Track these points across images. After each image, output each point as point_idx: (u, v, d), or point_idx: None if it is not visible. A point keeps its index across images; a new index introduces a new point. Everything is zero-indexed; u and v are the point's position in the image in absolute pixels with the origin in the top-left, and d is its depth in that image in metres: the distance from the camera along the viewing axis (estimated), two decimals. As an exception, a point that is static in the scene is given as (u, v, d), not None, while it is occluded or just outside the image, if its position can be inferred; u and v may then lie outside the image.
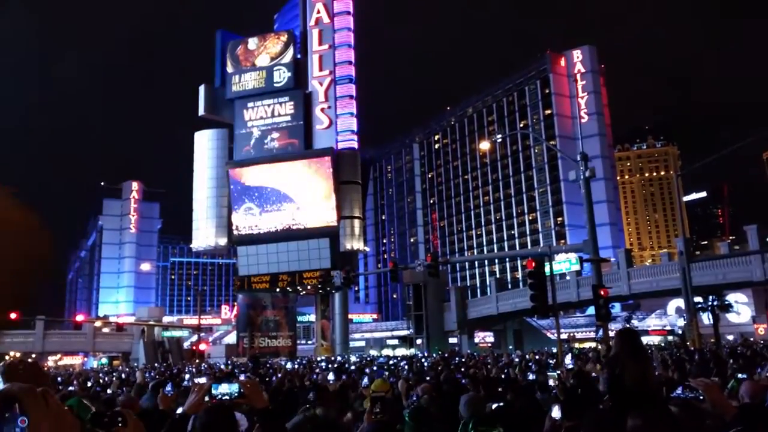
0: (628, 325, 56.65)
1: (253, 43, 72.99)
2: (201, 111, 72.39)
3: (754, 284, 50.04)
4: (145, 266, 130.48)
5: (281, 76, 70.95)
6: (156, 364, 48.32)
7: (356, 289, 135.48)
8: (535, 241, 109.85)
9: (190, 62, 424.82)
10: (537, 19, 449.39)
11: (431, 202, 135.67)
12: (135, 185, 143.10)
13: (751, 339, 52.36)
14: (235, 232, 68.62)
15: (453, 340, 72.70)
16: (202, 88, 72.63)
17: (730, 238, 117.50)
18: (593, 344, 50.16)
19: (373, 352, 68.85)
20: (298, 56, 71.78)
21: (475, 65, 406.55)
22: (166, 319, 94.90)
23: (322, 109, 69.58)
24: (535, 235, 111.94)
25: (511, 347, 68.30)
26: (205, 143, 73.06)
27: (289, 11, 78.39)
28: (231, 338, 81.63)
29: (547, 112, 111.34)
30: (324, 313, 70.70)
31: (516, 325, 73.53)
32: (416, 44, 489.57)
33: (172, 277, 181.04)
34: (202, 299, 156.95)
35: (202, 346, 62.07)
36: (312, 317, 78.42)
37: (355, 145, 69.88)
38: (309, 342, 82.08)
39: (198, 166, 72.87)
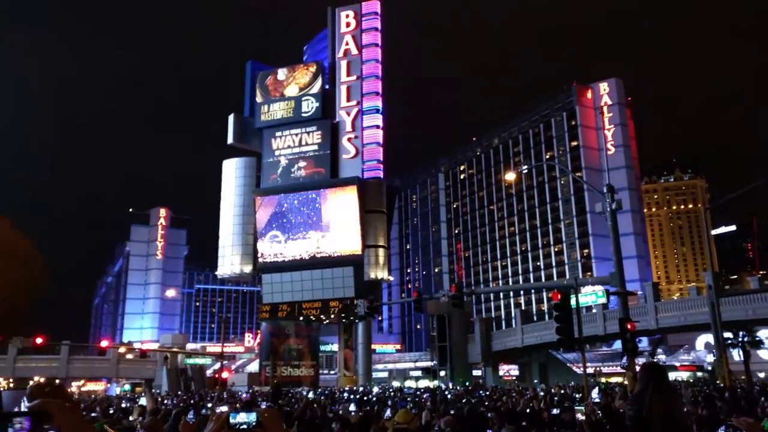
0: (653, 359, 55.22)
1: (282, 73, 74.66)
2: (230, 139, 73.88)
3: (787, 321, 48.66)
4: (170, 292, 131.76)
5: (309, 106, 72.28)
6: (179, 392, 48.46)
7: (380, 318, 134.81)
8: (560, 273, 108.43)
9: (220, 92, 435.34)
10: (564, 50, 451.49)
11: (456, 232, 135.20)
12: (162, 212, 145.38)
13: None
14: (260, 260, 69.17)
15: (477, 372, 71.64)
16: (231, 117, 74.27)
17: (761, 272, 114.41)
18: (620, 379, 49.03)
19: (396, 383, 68.20)
20: (326, 87, 73.18)
21: (502, 96, 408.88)
22: (190, 347, 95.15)
23: (349, 139, 70.51)
24: (560, 266, 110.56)
25: (536, 380, 66.99)
26: (232, 171, 74.30)
27: (318, 43, 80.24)
28: (254, 366, 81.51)
29: (574, 143, 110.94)
30: (347, 342, 70.38)
31: (541, 358, 72.23)
32: (444, 75, 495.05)
33: (197, 303, 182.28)
34: (226, 327, 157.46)
35: (225, 374, 62.00)
36: (335, 347, 78.07)
37: (381, 174, 70.47)
38: (331, 372, 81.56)
39: (225, 193, 74.02)
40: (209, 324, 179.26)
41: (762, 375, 54.95)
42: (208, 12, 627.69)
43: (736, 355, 44.58)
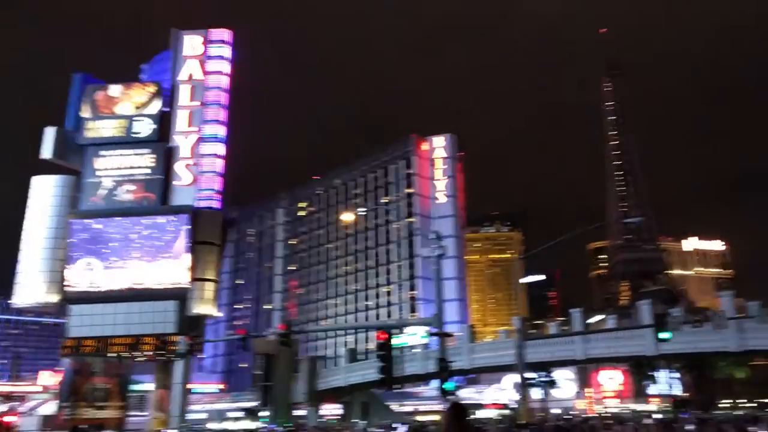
0: (455, 399, 58.84)
1: (115, 90, 69.83)
2: (44, 154, 66.76)
3: (577, 362, 55.12)
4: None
5: (143, 127, 68.10)
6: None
7: (201, 356, 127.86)
8: (390, 313, 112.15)
9: (38, 103, 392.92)
10: (408, 101, 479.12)
11: (291, 268, 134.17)
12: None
13: (573, 413, 57.13)
14: (69, 289, 62.50)
15: (301, 412, 70.58)
16: (48, 130, 67.33)
17: (560, 319, 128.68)
18: (437, 417, 51.38)
19: (213, 426, 64.76)
20: (165, 109, 69.54)
21: (347, 139, 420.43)
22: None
23: (186, 165, 67.39)
24: (389, 307, 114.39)
25: (357, 420, 67.66)
26: (44, 189, 66.98)
27: (158, 63, 76.14)
28: (50, 408, 72.34)
29: (408, 190, 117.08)
30: (163, 381, 65.53)
31: (364, 397, 73.32)
32: (289, 111, 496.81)
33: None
34: (18, 363, 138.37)
35: (11, 418, 54.45)
36: (149, 386, 72.26)
37: (218, 205, 67.94)
38: (143, 414, 75.25)
39: (32, 213, 66.24)
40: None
41: (558, 411, 61.19)
42: (40, 16, 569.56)
43: (537, 393, 49.18)
